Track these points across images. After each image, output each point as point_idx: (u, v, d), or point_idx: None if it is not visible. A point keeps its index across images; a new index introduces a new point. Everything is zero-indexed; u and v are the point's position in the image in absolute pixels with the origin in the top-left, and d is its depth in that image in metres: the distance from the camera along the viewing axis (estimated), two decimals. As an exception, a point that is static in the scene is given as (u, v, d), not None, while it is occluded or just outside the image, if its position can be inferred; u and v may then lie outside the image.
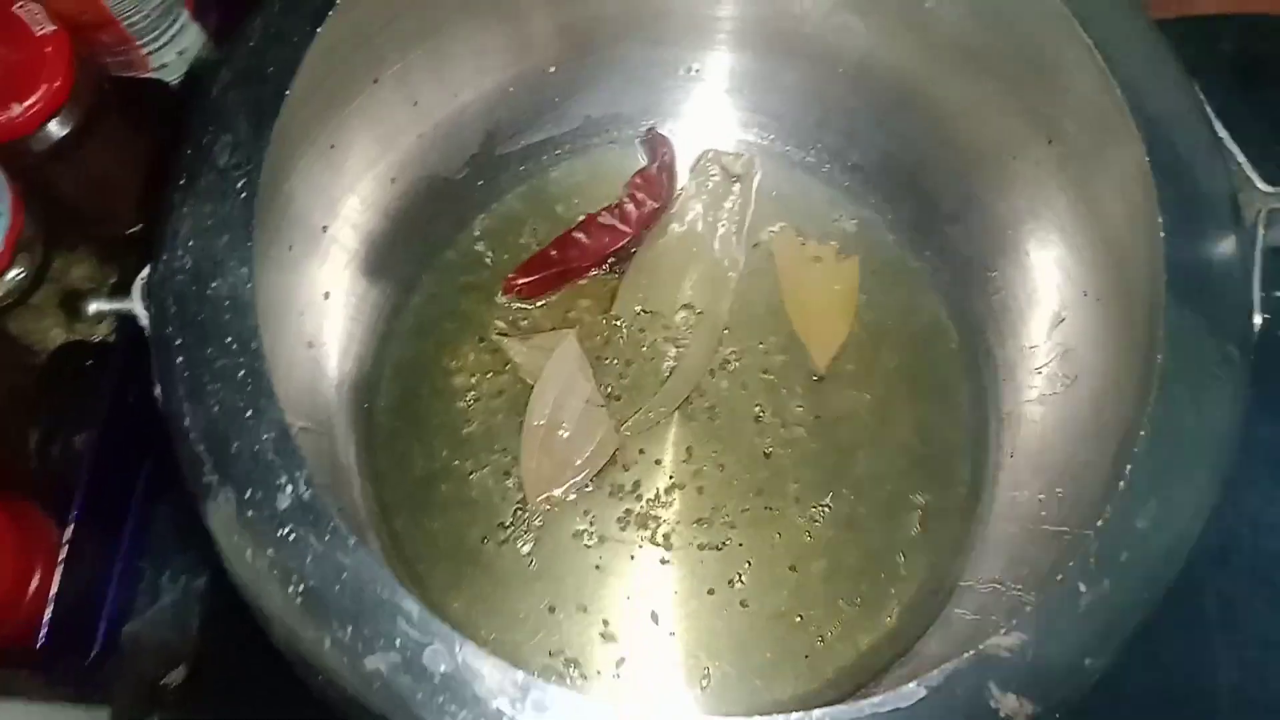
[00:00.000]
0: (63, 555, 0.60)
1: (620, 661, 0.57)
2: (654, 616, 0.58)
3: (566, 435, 0.60)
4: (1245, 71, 0.72)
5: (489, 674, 0.38)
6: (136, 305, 0.45)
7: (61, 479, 0.63)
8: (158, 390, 0.43)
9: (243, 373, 0.41)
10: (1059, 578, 0.40)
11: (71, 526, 0.60)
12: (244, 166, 0.44)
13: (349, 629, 0.38)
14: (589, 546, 0.59)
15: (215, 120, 0.45)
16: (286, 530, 0.39)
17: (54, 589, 0.59)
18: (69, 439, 0.65)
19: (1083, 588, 0.40)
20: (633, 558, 0.59)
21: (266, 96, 0.46)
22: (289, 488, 0.40)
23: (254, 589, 0.40)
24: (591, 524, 0.60)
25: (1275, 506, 0.68)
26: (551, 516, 0.60)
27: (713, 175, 0.67)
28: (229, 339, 0.42)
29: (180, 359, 0.42)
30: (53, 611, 0.59)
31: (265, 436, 0.41)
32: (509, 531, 0.59)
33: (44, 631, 0.59)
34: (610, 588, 0.59)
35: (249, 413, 0.41)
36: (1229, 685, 0.63)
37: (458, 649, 0.38)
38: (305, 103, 0.49)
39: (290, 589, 0.39)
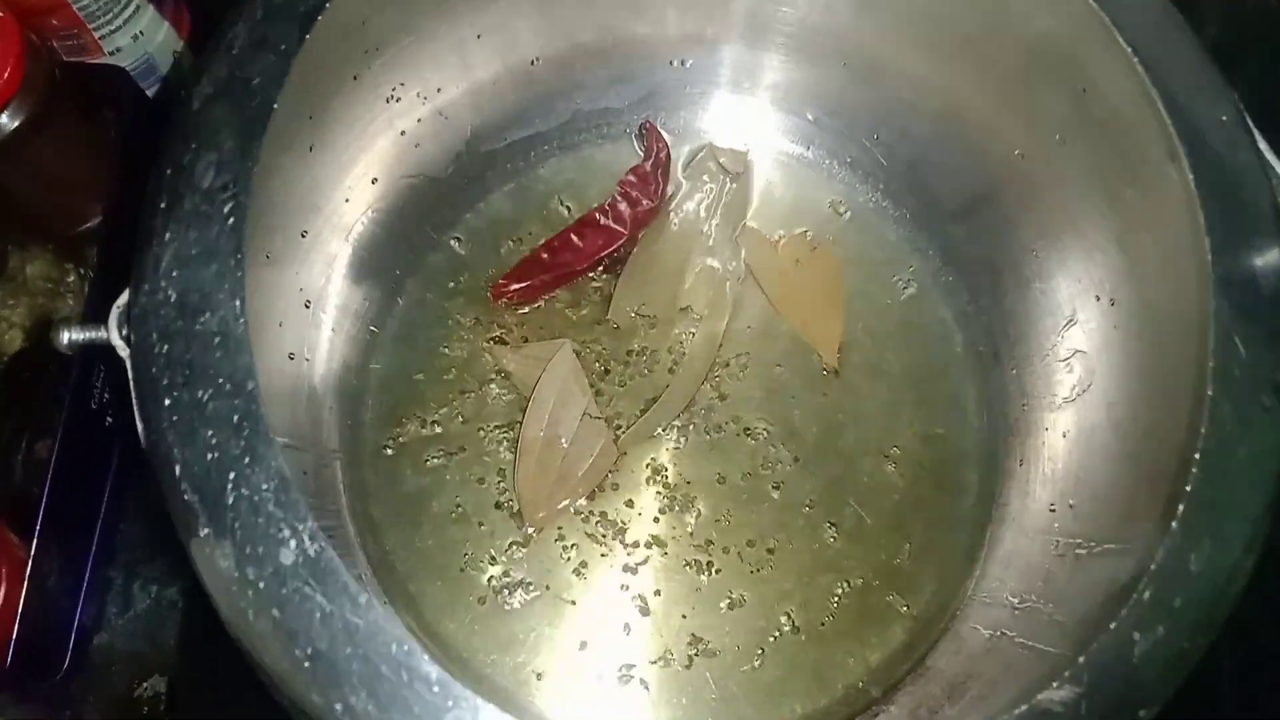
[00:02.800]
0: (28, 568, 0.57)
1: (624, 681, 0.55)
2: (653, 635, 0.56)
3: (564, 449, 0.57)
4: (1230, 55, 0.71)
5: (514, 740, 0.36)
6: (113, 335, 0.42)
7: (25, 488, 0.61)
8: (143, 434, 0.40)
9: (238, 416, 0.39)
10: (1112, 625, 0.39)
11: (36, 538, 0.57)
12: (230, 189, 0.41)
13: (362, 694, 0.36)
14: (585, 564, 0.57)
15: (197, 137, 0.42)
16: (291, 589, 0.37)
17: (20, 604, 0.56)
18: (31, 447, 0.63)
19: (1137, 636, 0.39)
20: (632, 574, 0.57)
21: (252, 110, 0.42)
22: (293, 542, 0.37)
23: (257, 651, 0.37)
24: (587, 540, 0.57)
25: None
26: (547, 533, 0.57)
27: (709, 172, 0.64)
28: (221, 380, 0.39)
29: (168, 401, 0.39)
30: (20, 628, 0.56)
31: (265, 486, 0.38)
32: (503, 550, 0.57)
33: (12, 649, 0.56)
34: (608, 607, 0.57)
35: (246, 460, 0.38)
36: (1232, 690, 0.62)
37: (480, 714, 0.36)
38: (286, 106, 0.45)
39: (297, 652, 0.36)
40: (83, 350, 0.59)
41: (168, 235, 0.41)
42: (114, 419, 0.64)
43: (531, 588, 0.56)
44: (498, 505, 0.58)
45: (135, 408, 0.40)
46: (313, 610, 0.37)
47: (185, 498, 0.38)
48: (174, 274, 0.40)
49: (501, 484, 0.58)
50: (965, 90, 0.59)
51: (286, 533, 0.37)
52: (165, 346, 0.40)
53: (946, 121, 0.61)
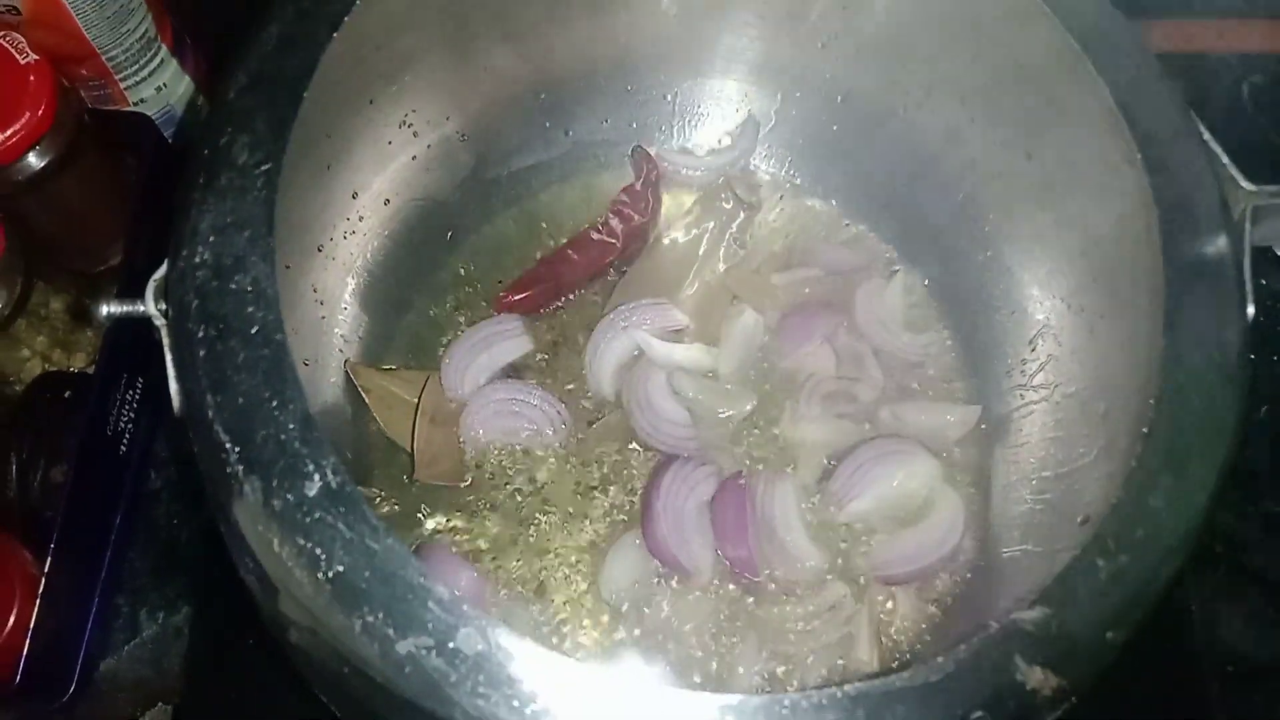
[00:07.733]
0: (41, 588, 0.58)
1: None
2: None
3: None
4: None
5: (523, 654, 0.37)
6: (150, 307, 0.44)
7: (40, 511, 0.63)
8: (175, 387, 0.42)
9: (267, 364, 0.41)
10: (1077, 553, 0.41)
11: (50, 559, 0.59)
12: (263, 165, 0.44)
13: (380, 614, 0.38)
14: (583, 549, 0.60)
15: (233, 121, 0.45)
16: (315, 517, 0.39)
17: (33, 622, 0.57)
18: (47, 470, 0.64)
19: (1101, 563, 0.41)
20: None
21: (284, 98, 0.46)
22: (316, 475, 0.39)
23: (281, 578, 0.39)
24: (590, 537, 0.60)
25: (1247, 523, 0.70)
26: (548, 537, 0.60)
27: (725, 199, 0.68)
28: (253, 330, 0.42)
29: (202, 352, 0.41)
30: (30, 647, 0.57)
31: (291, 426, 0.40)
32: (506, 550, 0.59)
33: (20, 669, 0.57)
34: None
35: (274, 403, 0.41)
36: (1217, 692, 0.63)
37: (490, 631, 0.38)
38: (307, 119, 0.49)
39: (320, 575, 0.38)
40: (102, 374, 0.62)
41: (205, 207, 0.44)
42: (128, 445, 0.66)
43: (535, 587, 0.59)
44: (504, 506, 0.60)
45: (170, 365, 0.43)
46: (334, 537, 0.39)
47: (218, 439, 0.40)
48: (211, 240, 0.43)
49: (508, 486, 0.61)
50: (940, 118, 0.63)
51: (311, 467, 0.40)
52: (200, 304, 0.42)
53: (924, 148, 0.64)
